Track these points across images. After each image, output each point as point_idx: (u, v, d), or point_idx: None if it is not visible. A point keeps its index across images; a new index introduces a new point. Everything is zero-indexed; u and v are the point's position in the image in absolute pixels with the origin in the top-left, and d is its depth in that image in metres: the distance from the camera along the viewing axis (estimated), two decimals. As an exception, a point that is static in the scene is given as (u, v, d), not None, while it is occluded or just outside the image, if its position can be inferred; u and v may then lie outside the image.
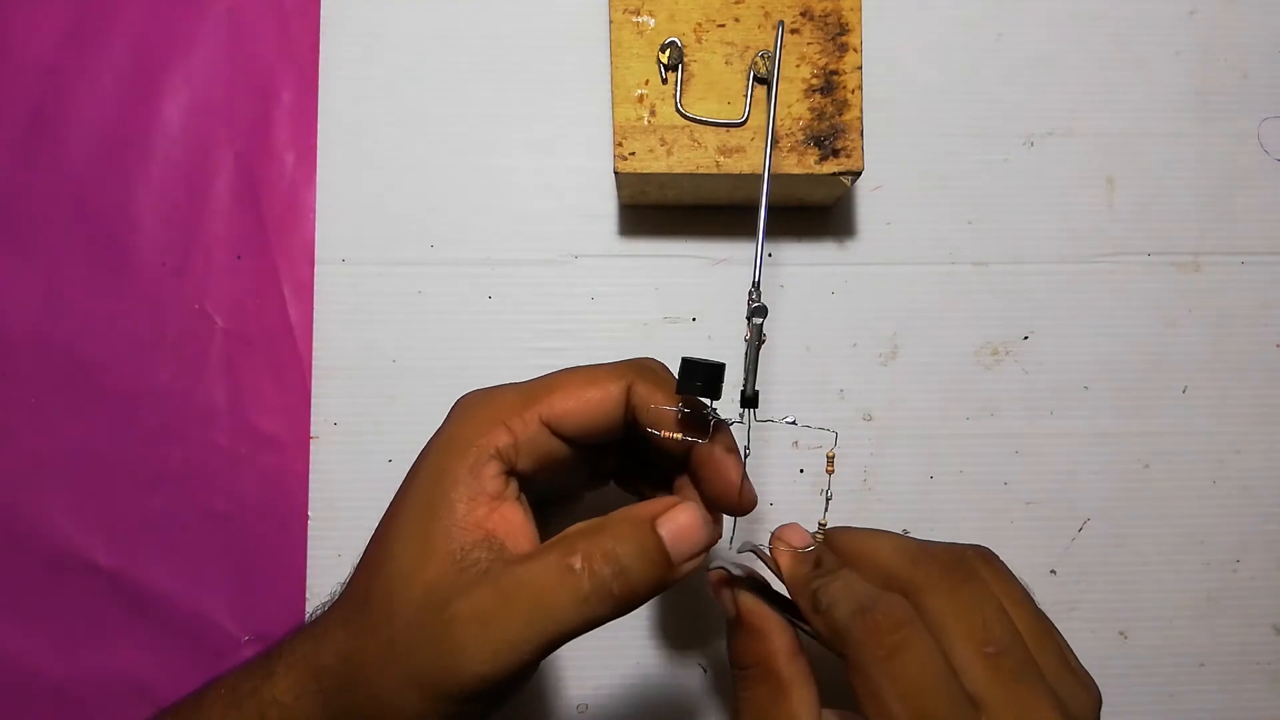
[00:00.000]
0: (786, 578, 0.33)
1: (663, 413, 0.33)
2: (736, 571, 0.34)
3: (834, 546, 0.34)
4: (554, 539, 0.31)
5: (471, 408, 0.33)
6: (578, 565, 0.29)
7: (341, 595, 0.33)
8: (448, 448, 0.32)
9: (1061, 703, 0.29)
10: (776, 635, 0.33)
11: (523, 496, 0.33)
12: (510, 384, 0.34)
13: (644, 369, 0.34)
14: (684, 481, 0.35)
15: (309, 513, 0.47)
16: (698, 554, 0.31)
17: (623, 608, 0.30)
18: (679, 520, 0.31)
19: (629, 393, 0.33)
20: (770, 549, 0.34)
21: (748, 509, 0.34)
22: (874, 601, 0.30)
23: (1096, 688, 0.31)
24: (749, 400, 0.33)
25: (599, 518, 0.31)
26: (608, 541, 0.30)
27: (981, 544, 0.33)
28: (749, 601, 0.33)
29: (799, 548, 0.34)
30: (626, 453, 0.37)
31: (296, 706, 0.31)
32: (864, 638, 0.29)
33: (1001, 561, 0.33)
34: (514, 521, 0.32)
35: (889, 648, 0.29)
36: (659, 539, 0.30)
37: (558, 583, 0.29)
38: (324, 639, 0.32)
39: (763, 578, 0.35)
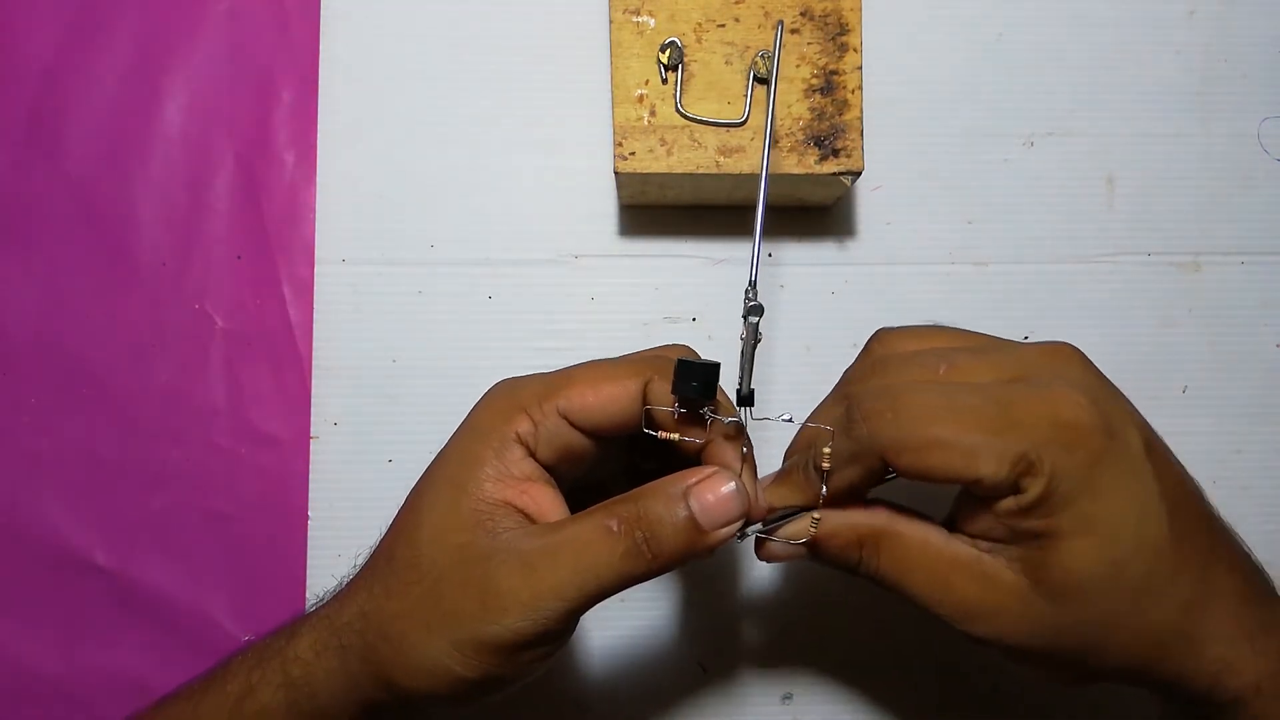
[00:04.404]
0: (801, 496, 0.34)
1: (662, 413, 0.33)
2: (766, 531, 0.34)
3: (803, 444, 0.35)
4: (594, 507, 0.32)
5: (497, 396, 0.34)
6: (615, 528, 0.31)
7: (365, 564, 0.34)
8: (473, 432, 0.33)
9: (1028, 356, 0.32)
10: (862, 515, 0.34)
11: (554, 482, 0.34)
12: (538, 373, 0.35)
13: (665, 364, 0.33)
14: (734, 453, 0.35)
15: (309, 513, 0.47)
16: (730, 522, 0.32)
17: (658, 569, 0.31)
18: (713, 490, 0.31)
19: (646, 389, 0.33)
20: (764, 500, 0.34)
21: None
22: (845, 420, 0.31)
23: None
24: (744, 399, 0.34)
25: (640, 486, 0.32)
26: (641, 508, 0.31)
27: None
28: (798, 530, 0.34)
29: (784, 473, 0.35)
30: (659, 448, 0.37)
31: (317, 662, 0.33)
32: (872, 430, 0.30)
33: (893, 330, 0.35)
34: (544, 502, 0.33)
35: (884, 419, 0.30)
36: (689, 509, 0.31)
37: (598, 540, 0.31)
38: (345, 600, 0.33)
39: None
